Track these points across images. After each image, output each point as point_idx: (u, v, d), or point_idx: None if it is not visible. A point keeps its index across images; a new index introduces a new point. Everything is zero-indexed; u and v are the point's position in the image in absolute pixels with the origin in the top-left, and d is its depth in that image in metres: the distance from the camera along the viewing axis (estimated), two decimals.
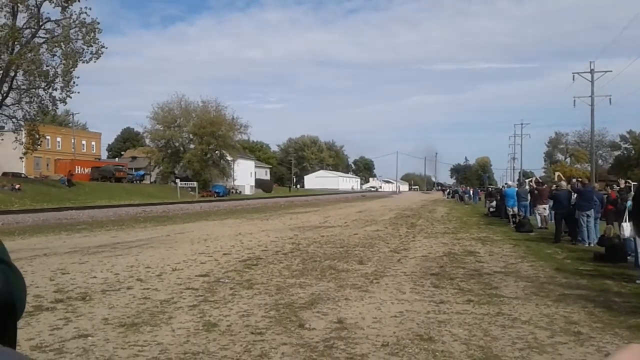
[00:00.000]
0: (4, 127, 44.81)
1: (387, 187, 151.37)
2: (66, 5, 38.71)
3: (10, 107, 41.12)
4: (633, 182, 20.58)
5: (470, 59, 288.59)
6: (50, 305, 7.24)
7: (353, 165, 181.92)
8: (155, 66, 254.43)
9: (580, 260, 12.24)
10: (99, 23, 39.93)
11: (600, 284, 9.25)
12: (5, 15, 38.00)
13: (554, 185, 20.49)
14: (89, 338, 5.79)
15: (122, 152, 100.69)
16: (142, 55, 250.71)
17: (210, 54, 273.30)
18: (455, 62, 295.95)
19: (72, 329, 6.15)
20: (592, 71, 41.41)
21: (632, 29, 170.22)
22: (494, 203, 30.28)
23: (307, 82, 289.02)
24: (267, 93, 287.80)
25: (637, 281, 9.32)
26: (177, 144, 70.55)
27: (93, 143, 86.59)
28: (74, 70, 39.88)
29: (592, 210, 15.25)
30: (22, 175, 51.64)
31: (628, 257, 11.47)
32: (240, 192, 78.58)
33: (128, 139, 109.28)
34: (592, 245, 14.63)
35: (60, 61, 39.90)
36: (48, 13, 40.41)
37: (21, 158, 44.05)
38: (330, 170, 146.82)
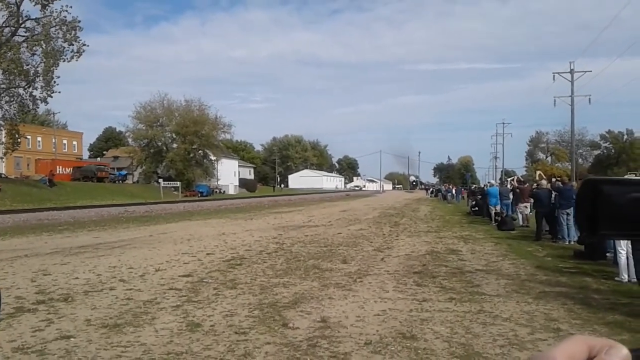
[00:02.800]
0: None
1: (370, 186, 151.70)
2: (46, 3, 38.25)
3: None
4: None
5: (453, 60, 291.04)
6: (31, 307, 7.17)
7: (337, 165, 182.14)
8: (138, 66, 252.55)
9: (560, 258, 12.43)
10: (79, 21, 39.60)
11: (579, 281, 9.41)
12: None
13: (535, 184, 20.70)
14: (72, 339, 5.75)
15: (104, 152, 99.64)
16: (125, 54, 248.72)
17: (194, 54, 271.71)
18: (438, 63, 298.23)
19: (54, 330, 6.11)
20: (572, 71, 41.95)
21: (612, 30, 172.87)
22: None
23: (292, 82, 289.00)
24: (252, 93, 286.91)
25: (616, 278, 9.47)
26: (159, 144, 70.05)
27: (74, 143, 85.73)
28: (55, 69, 39.44)
29: (572, 208, 15.48)
30: (2, 176, 50.91)
31: (607, 255, 11.65)
32: (224, 191, 78.27)
33: (110, 139, 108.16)
34: (572, 243, 14.84)
35: (41, 60, 39.47)
36: (28, 11, 39.91)
37: (1, 158, 43.46)
38: (314, 169, 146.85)
